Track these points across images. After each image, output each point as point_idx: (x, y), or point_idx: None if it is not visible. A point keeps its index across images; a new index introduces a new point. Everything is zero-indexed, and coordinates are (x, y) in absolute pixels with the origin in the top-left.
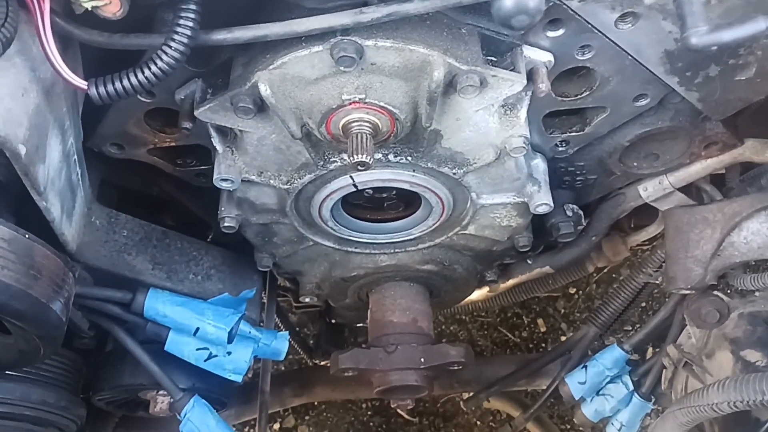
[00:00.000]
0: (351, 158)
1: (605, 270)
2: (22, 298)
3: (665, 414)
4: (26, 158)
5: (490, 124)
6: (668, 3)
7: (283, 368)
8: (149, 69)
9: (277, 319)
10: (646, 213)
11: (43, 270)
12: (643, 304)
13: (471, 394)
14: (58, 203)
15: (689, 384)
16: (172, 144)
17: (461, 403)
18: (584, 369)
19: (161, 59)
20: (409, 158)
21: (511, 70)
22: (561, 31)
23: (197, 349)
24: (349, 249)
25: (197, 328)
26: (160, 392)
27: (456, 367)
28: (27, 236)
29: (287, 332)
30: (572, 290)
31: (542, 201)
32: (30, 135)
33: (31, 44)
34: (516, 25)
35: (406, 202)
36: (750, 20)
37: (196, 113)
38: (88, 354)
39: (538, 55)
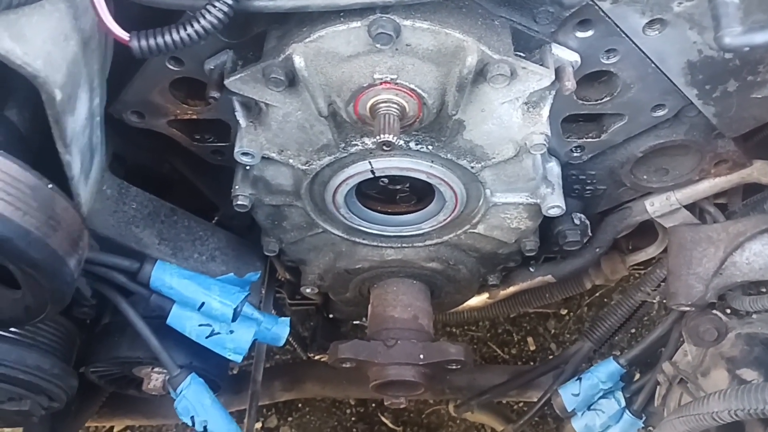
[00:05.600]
0: (377, 137)
1: (597, 294)
2: (41, 247)
3: (663, 423)
4: (60, 105)
5: (513, 118)
6: (696, 13)
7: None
8: (192, 26)
9: (273, 312)
10: (644, 235)
11: (63, 222)
12: (633, 330)
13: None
14: (78, 161)
15: (683, 401)
16: (193, 117)
17: (452, 410)
18: (578, 381)
19: (205, 18)
20: (430, 147)
21: (540, 65)
22: (590, 33)
23: (200, 325)
24: (357, 240)
25: (203, 303)
26: (156, 369)
27: (455, 366)
28: (50, 186)
29: (288, 318)
30: (564, 311)
31: (555, 203)
32: (66, 82)
33: None
34: (566, 1)
35: (419, 196)
36: None
37: (226, 83)
38: (84, 326)
39: (566, 55)
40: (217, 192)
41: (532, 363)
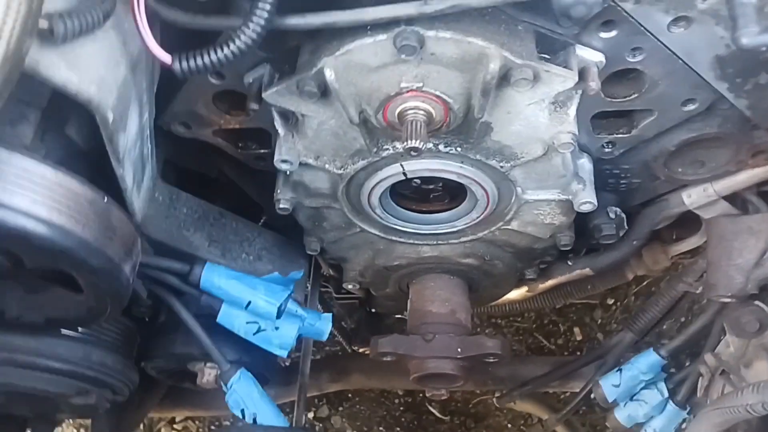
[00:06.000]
0: (405, 143)
1: (644, 283)
2: (98, 255)
3: (700, 414)
4: (113, 125)
5: (540, 119)
6: (722, 9)
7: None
8: (228, 47)
9: (319, 306)
10: (688, 225)
11: (118, 232)
12: (683, 319)
13: (503, 391)
14: (131, 173)
15: (725, 392)
16: (236, 126)
17: (495, 401)
18: (619, 372)
19: (240, 38)
20: (459, 149)
21: (563, 68)
22: (614, 33)
23: (247, 323)
24: (394, 238)
25: (249, 302)
26: (209, 364)
27: (492, 360)
28: (106, 199)
29: (331, 314)
30: (610, 301)
31: (586, 199)
32: (117, 104)
33: (123, 20)
34: (574, 14)
35: (452, 195)
36: None
37: (263, 96)
38: (142, 323)
39: (590, 55)
40: (262, 195)
41: (578, 353)
